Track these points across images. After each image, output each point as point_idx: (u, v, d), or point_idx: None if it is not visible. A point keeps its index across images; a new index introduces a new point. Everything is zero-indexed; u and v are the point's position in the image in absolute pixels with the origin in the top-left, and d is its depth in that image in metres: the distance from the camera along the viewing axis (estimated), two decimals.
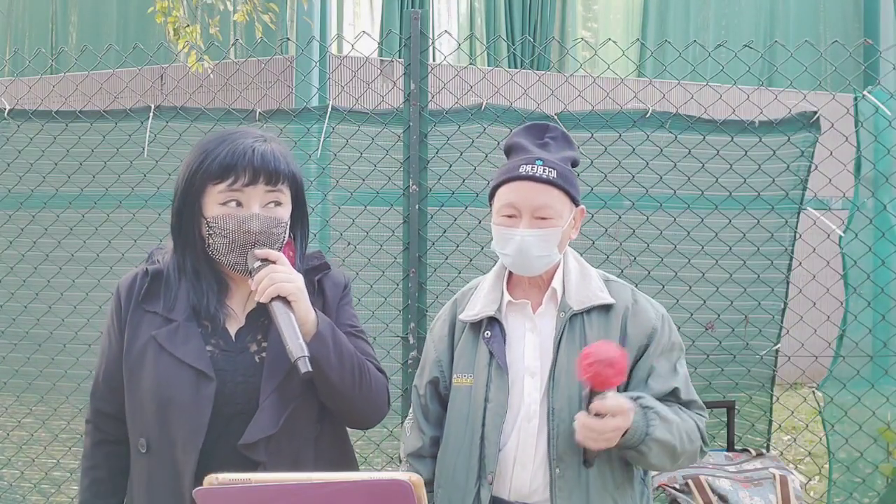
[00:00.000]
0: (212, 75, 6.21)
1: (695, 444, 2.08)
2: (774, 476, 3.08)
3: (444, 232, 3.72)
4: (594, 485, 2.05)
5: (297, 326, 1.83)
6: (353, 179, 3.80)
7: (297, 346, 1.80)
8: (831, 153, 3.65)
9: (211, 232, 1.90)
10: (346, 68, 7.29)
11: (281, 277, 1.85)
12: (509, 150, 2.18)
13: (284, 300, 1.85)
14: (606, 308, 2.13)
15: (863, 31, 10.19)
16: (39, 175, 3.97)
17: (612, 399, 1.92)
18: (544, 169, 2.07)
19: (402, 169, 3.69)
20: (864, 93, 3.70)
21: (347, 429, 2.13)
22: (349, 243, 3.83)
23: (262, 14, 6.56)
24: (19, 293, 4.03)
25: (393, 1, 8.89)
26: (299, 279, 1.89)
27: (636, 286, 3.48)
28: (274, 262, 1.87)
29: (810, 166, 3.67)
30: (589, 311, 2.12)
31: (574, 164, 2.17)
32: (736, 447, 3.42)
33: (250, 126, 3.77)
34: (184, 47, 6.40)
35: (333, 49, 8.02)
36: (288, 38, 7.15)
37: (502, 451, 2.09)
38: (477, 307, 2.18)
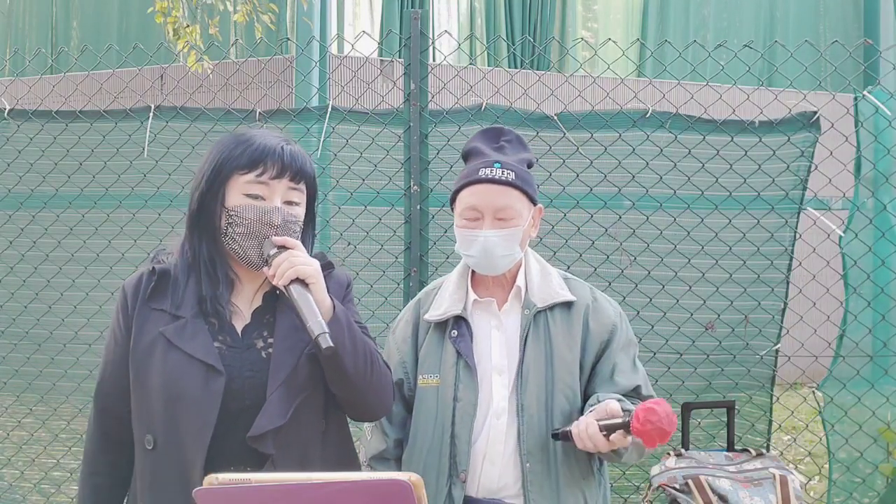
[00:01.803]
0: (211, 75, 6.21)
1: None
2: (774, 476, 3.07)
3: (446, 232, 3.72)
4: (563, 477, 2.11)
5: (316, 308, 1.85)
6: (353, 179, 3.80)
7: (317, 324, 1.82)
8: (831, 153, 3.65)
9: (231, 221, 1.93)
10: (346, 68, 7.29)
11: (300, 261, 1.88)
12: (467, 156, 2.24)
13: (302, 283, 1.87)
14: (568, 305, 2.19)
15: (863, 31, 10.19)
16: (39, 175, 3.97)
17: (630, 439, 1.97)
18: (503, 171, 2.13)
19: (402, 169, 3.70)
20: (864, 93, 3.70)
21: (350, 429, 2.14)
22: (349, 243, 3.83)
23: (261, 14, 6.56)
24: (19, 293, 4.03)
25: (393, 1, 8.89)
26: (316, 263, 1.92)
27: (636, 286, 3.50)
28: (291, 249, 1.91)
29: (810, 166, 3.67)
30: (552, 308, 2.18)
31: (529, 165, 2.23)
32: (736, 447, 3.42)
33: (250, 124, 3.80)
34: (184, 47, 6.40)
35: (333, 49, 8.02)
36: (288, 38, 7.16)
37: (472, 449, 2.12)
38: (443, 307, 2.22)
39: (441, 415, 2.15)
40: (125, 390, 1.98)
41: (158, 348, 1.92)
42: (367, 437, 2.32)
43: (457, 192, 2.19)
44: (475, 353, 2.16)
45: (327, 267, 2.07)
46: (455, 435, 2.13)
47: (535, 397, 2.11)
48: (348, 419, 2.12)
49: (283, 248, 1.90)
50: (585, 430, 1.97)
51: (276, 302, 1.98)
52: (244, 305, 2.00)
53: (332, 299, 1.93)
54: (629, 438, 1.95)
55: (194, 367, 1.89)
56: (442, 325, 2.22)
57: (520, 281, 2.20)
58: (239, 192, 1.93)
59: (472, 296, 2.22)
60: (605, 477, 2.26)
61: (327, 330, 1.82)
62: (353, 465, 2.11)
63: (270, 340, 1.95)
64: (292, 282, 1.86)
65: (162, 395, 1.90)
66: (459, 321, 2.19)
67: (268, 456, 1.87)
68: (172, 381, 1.89)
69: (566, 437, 2.04)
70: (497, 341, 2.18)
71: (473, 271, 2.24)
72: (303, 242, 2.01)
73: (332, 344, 1.81)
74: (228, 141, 1.98)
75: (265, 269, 1.91)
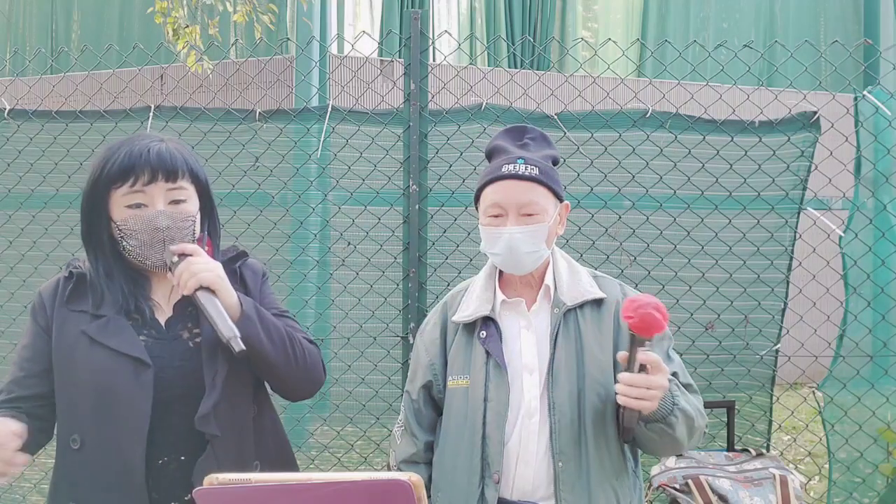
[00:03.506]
0: (211, 75, 6.21)
1: (703, 419, 2.11)
2: (774, 476, 3.08)
3: (445, 232, 3.72)
4: (595, 477, 2.07)
5: (224, 311, 1.89)
6: (353, 179, 3.80)
7: (227, 328, 1.87)
8: (831, 153, 3.65)
9: (122, 235, 1.96)
10: (346, 68, 7.29)
11: (200, 268, 1.91)
12: (491, 154, 2.22)
13: (207, 289, 1.91)
14: (598, 303, 2.16)
15: (863, 31, 10.19)
16: (39, 175, 3.97)
17: (647, 344, 1.92)
18: (526, 167, 2.11)
19: (402, 169, 3.70)
20: (864, 93, 3.70)
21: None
22: (349, 243, 3.83)
23: (261, 14, 6.56)
24: (19, 293, 4.03)
25: (393, 1, 8.90)
26: (218, 267, 1.96)
27: (636, 286, 3.48)
28: (190, 255, 1.94)
29: (810, 166, 3.67)
30: (582, 305, 2.15)
31: (555, 162, 2.21)
32: (736, 447, 3.42)
33: (250, 124, 3.81)
34: (184, 47, 6.40)
35: (333, 49, 8.02)
36: (288, 38, 7.15)
37: (505, 450, 2.09)
38: (470, 308, 2.20)
39: (472, 416, 2.12)
40: (37, 395, 1.98)
41: (80, 347, 1.94)
42: (396, 440, 2.30)
43: (480, 189, 2.17)
44: (505, 354, 2.14)
45: (241, 257, 2.12)
46: (486, 436, 2.10)
47: (566, 395, 2.08)
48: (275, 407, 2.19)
49: (183, 255, 1.93)
50: (622, 389, 1.92)
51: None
52: (163, 300, 2.03)
53: (239, 296, 1.96)
54: (647, 345, 1.89)
55: (122, 362, 1.91)
56: (470, 327, 2.20)
57: (548, 280, 2.18)
58: (120, 206, 1.95)
59: (500, 296, 2.19)
60: (640, 478, 2.22)
61: (237, 333, 1.87)
62: (287, 452, 2.18)
63: (196, 330, 1.99)
64: (197, 290, 1.90)
65: (90, 392, 1.91)
66: (488, 322, 2.16)
67: (204, 443, 1.91)
68: (101, 378, 1.91)
69: (623, 418, 1.99)
70: (527, 341, 2.15)
71: (501, 272, 2.22)
72: (204, 234, 2.04)
73: (243, 347, 1.87)
74: (99, 157, 2.00)
75: (169, 275, 1.95)
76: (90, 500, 1.93)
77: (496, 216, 2.12)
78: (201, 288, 1.90)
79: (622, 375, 1.93)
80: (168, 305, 2.03)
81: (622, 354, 1.95)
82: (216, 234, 2.10)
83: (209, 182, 2.08)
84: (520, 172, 2.10)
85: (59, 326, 1.98)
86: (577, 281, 2.18)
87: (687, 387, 2.14)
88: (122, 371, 1.90)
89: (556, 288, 2.17)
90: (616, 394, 1.96)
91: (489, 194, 2.13)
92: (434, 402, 2.25)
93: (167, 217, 1.94)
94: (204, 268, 1.91)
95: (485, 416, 2.11)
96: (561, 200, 2.18)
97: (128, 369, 1.90)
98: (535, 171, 2.11)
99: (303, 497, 1.56)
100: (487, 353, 2.14)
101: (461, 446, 2.13)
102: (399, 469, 2.26)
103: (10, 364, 2.05)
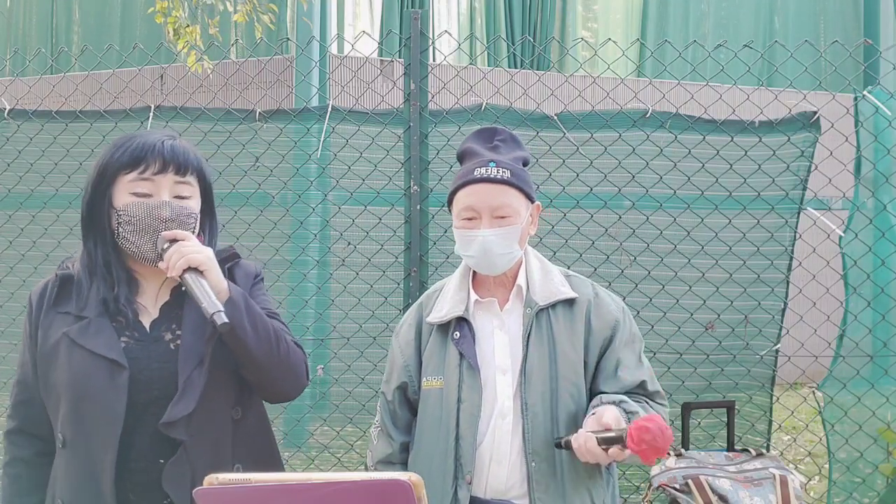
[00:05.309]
0: (211, 75, 6.21)
1: None
2: (774, 476, 3.08)
3: (446, 232, 3.72)
4: (569, 476, 2.10)
5: (210, 290, 1.89)
6: (353, 179, 3.81)
7: (211, 304, 1.86)
8: (831, 153, 3.65)
9: (120, 220, 1.95)
10: (346, 68, 7.29)
11: (190, 250, 1.91)
12: (462, 157, 2.24)
13: (196, 270, 1.91)
14: (570, 302, 2.19)
15: (863, 31, 10.19)
16: (39, 175, 3.97)
17: (628, 452, 1.95)
18: (498, 170, 2.13)
19: (402, 169, 3.70)
20: (864, 93, 3.70)
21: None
22: (349, 243, 3.83)
23: (261, 14, 6.57)
24: (19, 293, 4.03)
25: (393, 1, 8.90)
26: (209, 251, 1.95)
27: (636, 286, 3.48)
28: (182, 241, 1.94)
29: (810, 166, 3.67)
30: (554, 305, 2.18)
31: (525, 163, 2.23)
32: (736, 447, 3.42)
33: (250, 124, 3.81)
34: (184, 47, 6.40)
35: (333, 49, 8.02)
36: (288, 38, 7.16)
37: (478, 450, 2.12)
38: (444, 308, 2.22)
39: (445, 417, 2.14)
40: (37, 392, 2.01)
41: (62, 348, 1.95)
42: (373, 441, 2.32)
43: (453, 193, 2.20)
44: (478, 354, 2.16)
45: (234, 258, 2.11)
46: (460, 436, 2.12)
47: (539, 396, 2.10)
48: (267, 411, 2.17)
49: (175, 241, 1.93)
50: (584, 444, 1.96)
51: (184, 297, 2.01)
52: (149, 303, 2.03)
53: (228, 283, 1.96)
54: (626, 452, 1.94)
55: (99, 364, 1.91)
56: (444, 327, 2.22)
57: (521, 280, 2.21)
58: (125, 192, 1.96)
59: (474, 296, 2.22)
60: (614, 476, 2.25)
61: (221, 308, 1.86)
62: (271, 454, 2.15)
63: (179, 332, 1.98)
64: (185, 271, 1.90)
65: (69, 393, 1.92)
66: (461, 322, 2.19)
67: (179, 445, 1.90)
68: (78, 379, 1.91)
69: (568, 446, 2.04)
70: (500, 341, 2.17)
71: (475, 272, 2.24)
72: (204, 236, 2.05)
73: (226, 321, 1.85)
74: (111, 145, 2.01)
75: (160, 263, 1.95)
76: (67, 499, 1.95)
77: (469, 219, 2.15)
78: (190, 269, 1.90)
79: (589, 439, 1.95)
80: (155, 308, 2.02)
81: (607, 420, 1.97)
82: (214, 237, 2.10)
83: (213, 185, 2.09)
84: (492, 175, 2.13)
85: (45, 330, 1.99)
86: (549, 281, 2.20)
87: (654, 395, 2.18)
88: (98, 373, 1.90)
89: (528, 288, 2.19)
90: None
91: (462, 198, 2.16)
92: (409, 402, 2.27)
93: (171, 209, 1.95)
94: (194, 249, 1.91)
95: (458, 417, 2.13)
96: (532, 201, 2.20)
97: (103, 371, 1.90)
98: (507, 174, 2.13)
99: (303, 497, 1.56)
100: (461, 354, 2.16)
101: (436, 447, 2.15)
102: (376, 470, 2.27)
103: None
